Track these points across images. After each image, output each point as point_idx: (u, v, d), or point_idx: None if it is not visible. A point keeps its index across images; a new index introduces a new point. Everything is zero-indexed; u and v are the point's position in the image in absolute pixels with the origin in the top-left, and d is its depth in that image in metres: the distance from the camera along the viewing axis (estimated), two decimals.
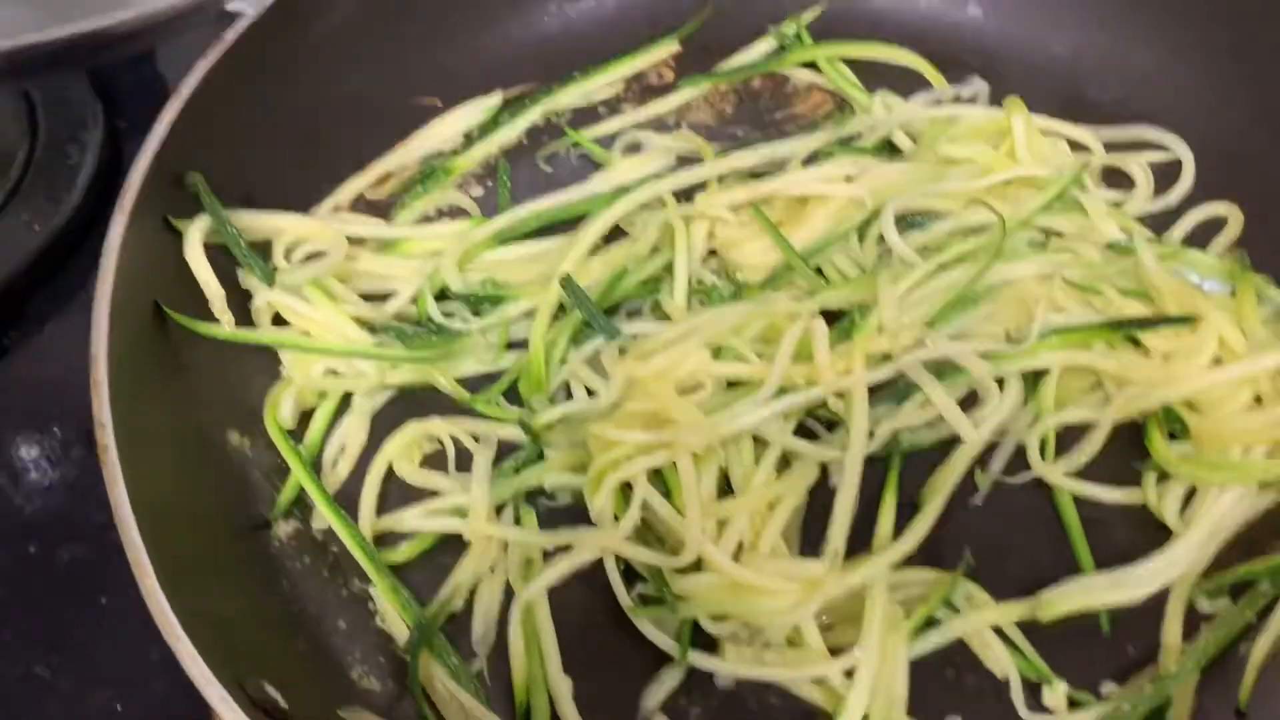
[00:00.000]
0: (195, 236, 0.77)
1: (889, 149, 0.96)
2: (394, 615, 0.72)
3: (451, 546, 0.76)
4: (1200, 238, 0.90)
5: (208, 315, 0.77)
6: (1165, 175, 0.94)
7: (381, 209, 0.93)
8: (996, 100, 1.00)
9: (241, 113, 0.83)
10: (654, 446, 0.74)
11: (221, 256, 0.80)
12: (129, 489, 0.60)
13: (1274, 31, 0.92)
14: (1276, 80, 0.93)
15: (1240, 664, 0.70)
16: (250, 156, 0.84)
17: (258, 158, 0.85)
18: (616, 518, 0.73)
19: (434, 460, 0.80)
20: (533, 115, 0.99)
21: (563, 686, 0.70)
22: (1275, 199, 0.90)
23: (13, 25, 0.94)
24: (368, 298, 0.86)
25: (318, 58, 0.88)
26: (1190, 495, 0.76)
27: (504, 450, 0.80)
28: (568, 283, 0.83)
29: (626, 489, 0.74)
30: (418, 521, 0.75)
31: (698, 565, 0.71)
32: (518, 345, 0.85)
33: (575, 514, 0.76)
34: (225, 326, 0.77)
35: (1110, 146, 0.96)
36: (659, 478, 0.75)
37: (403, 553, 0.75)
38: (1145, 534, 0.76)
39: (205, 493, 0.72)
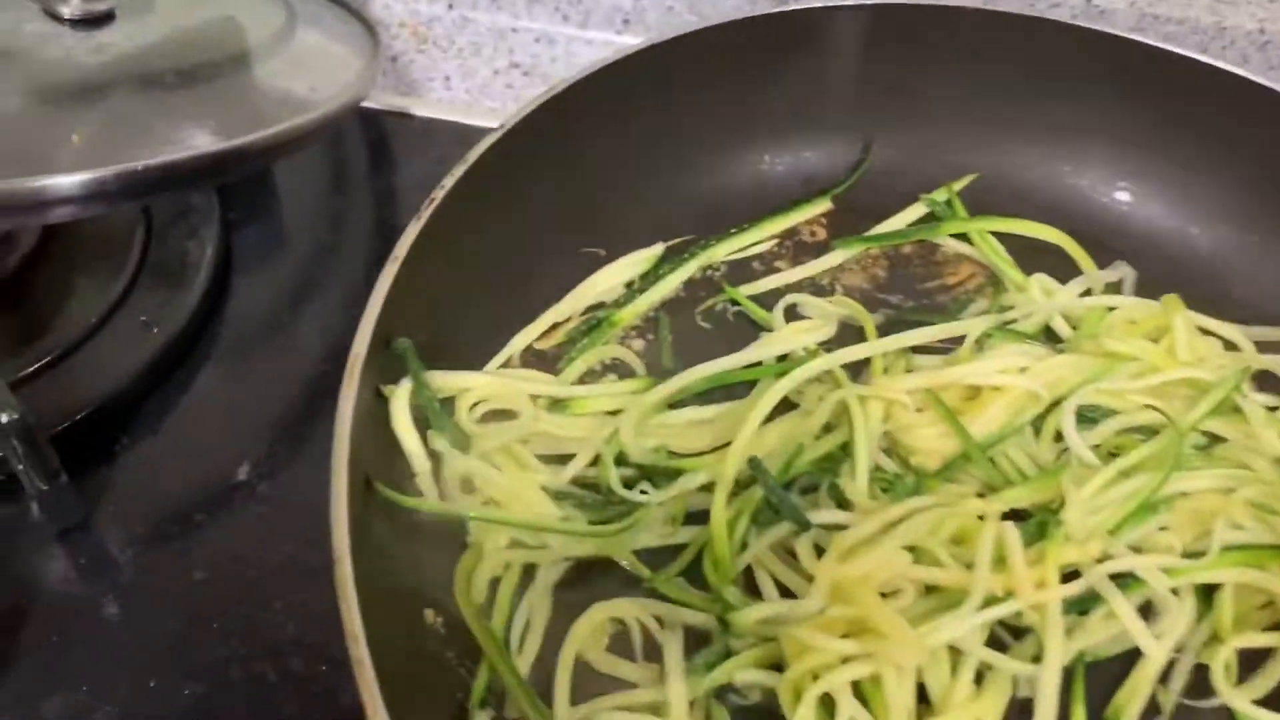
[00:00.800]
0: (402, 403, 0.75)
1: (1048, 335, 0.97)
2: None
3: None
4: None
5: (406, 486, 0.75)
6: None
7: (547, 362, 0.92)
8: (1141, 286, 1.01)
9: (440, 271, 0.81)
10: (857, 657, 0.73)
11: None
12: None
13: None
14: None
15: None
16: (441, 314, 0.82)
17: (446, 315, 0.83)
18: None
19: (616, 643, 0.78)
20: (692, 267, 0.99)
21: None
22: None
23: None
24: (544, 460, 0.84)
25: (508, 210, 0.87)
26: None
27: (685, 636, 0.78)
28: (755, 463, 0.82)
29: (823, 697, 0.73)
30: (614, 716, 0.73)
31: None
32: (693, 520, 0.84)
33: (765, 712, 0.75)
34: (431, 499, 0.75)
35: (1259, 346, 0.97)
36: (856, 689, 0.74)
37: None
38: None
39: (412, 683, 0.69)
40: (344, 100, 1.05)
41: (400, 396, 0.75)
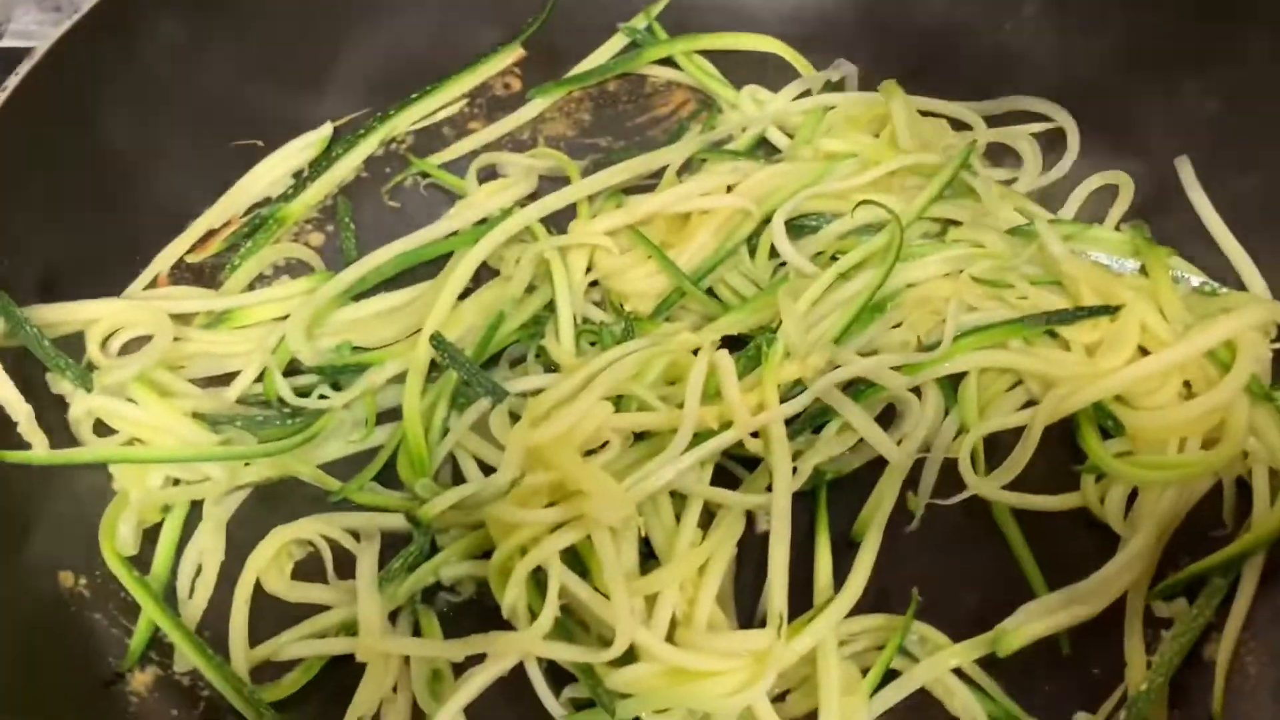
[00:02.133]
0: None
1: (764, 148, 0.89)
2: None
3: (344, 668, 0.65)
4: (1093, 211, 0.86)
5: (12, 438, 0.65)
6: (1046, 147, 0.89)
7: (207, 275, 0.81)
8: (866, 81, 0.94)
9: (29, 179, 0.70)
10: (564, 524, 0.65)
11: (22, 359, 0.67)
12: None
13: None
14: (1151, 32, 0.88)
15: (1208, 670, 0.66)
16: (44, 233, 0.71)
17: (54, 233, 0.72)
18: (531, 611, 0.64)
19: (309, 568, 0.70)
20: (370, 145, 0.89)
21: None
22: (1164, 161, 0.86)
23: None
24: (204, 384, 0.74)
25: (116, 101, 0.76)
26: (1133, 493, 0.72)
27: (389, 544, 0.70)
28: (438, 340, 0.73)
29: (537, 574, 0.65)
30: (300, 647, 0.65)
31: (630, 654, 0.63)
32: (387, 417, 0.75)
33: (482, 607, 0.67)
34: (39, 450, 0.64)
35: (988, 120, 0.91)
36: (572, 556, 0.66)
37: (287, 686, 0.65)
38: (1092, 538, 0.72)
39: (41, 656, 0.60)
40: None
41: None
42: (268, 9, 0.85)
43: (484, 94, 0.94)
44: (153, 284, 0.79)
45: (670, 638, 0.64)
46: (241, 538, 0.70)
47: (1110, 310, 0.73)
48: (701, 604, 0.66)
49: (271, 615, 0.67)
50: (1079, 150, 0.89)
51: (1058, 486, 0.73)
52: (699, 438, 0.69)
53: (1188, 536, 0.71)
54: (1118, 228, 0.84)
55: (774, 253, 0.80)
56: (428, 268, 0.82)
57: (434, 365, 0.75)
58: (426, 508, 0.66)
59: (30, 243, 0.70)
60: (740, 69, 0.95)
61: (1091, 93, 0.90)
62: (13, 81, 0.69)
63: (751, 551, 0.70)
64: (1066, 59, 0.91)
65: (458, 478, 0.73)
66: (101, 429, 0.70)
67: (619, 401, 0.71)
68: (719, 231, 0.81)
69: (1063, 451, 0.75)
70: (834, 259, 0.80)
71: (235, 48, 0.84)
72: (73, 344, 0.71)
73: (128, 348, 0.74)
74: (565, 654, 0.63)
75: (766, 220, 0.81)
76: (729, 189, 0.82)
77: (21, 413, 0.64)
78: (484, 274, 0.81)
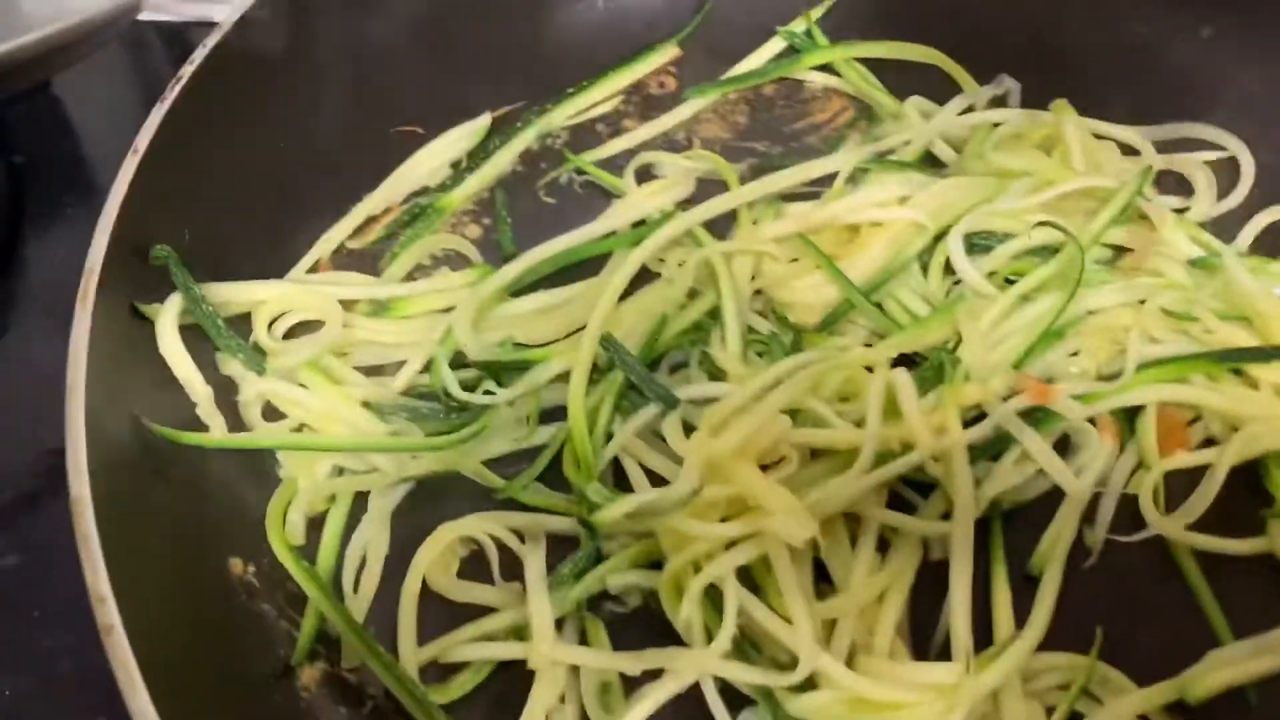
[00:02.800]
0: (169, 324, 0.63)
1: (930, 161, 0.87)
2: None
3: (508, 673, 0.64)
4: (1268, 245, 0.83)
5: (188, 418, 0.64)
6: (1219, 176, 0.87)
7: (367, 261, 0.80)
8: (1029, 99, 0.91)
9: (203, 165, 0.69)
10: (739, 540, 0.63)
11: (194, 340, 0.66)
12: (143, 674, 0.47)
13: None
14: None
15: None
16: (216, 216, 0.70)
17: (224, 216, 0.71)
18: (708, 629, 0.62)
19: (473, 565, 0.68)
20: (526, 138, 0.87)
21: None
22: None
23: None
24: (367, 372, 0.73)
25: (284, 90, 0.75)
26: None
27: (552, 546, 0.68)
28: (609, 342, 0.71)
29: (709, 589, 0.64)
30: (470, 649, 0.63)
31: (809, 680, 0.61)
32: (548, 416, 0.73)
33: (647, 618, 0.65)
34: (216, 433, 0.63)
35: (1159, 147, 0.88)
36: (743, 574, 0.64)
37: (457, 688, 0.63)
38: (1277, 585, 0.69)
39: (213, 645, 0.58)
40: (111, 3, 0.91)
41: (167, 314, 0.63)
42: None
43: (639, 92, 0.92)
44: (314, 268, 0.77)
45: (849, 665, 0.62)
46: (403, 532, 0.68)
47: None
48: (881, 633, 0.64)
49: (433, 614, 0.66)
50: (1253, 184, 0.86)
51: (1241, 529, 0.70)
52: (878, 458, 0.67)
53: None
54: None
55: (949, 272, 0.78)
56: (582, 266, 0.80)
57: (596, 366, 0.73)
58: (601, 513, 0.65)
59: (204, 227, 0.68)
60: (896, 79, 0.93)
61: (1269, 120, 0.87)
62: (188, 69, 0.68)
63: (921, 580, 0.67)
64: (1242, 85, 0.89)
65: (620, 481, 0.71)
66: (268, 414, 0.69)
67: (795, 415, 0.69)
68: (890, 245, 0.79)
69: (1246, 493, 0.72)
70: (1007, 280, 0.78)
71: (400, 32, 0.82)
72: (236, 326, 0.70)
73: (292, 332, 0.72)
74: (746, 675, 0.61)
75: (938, 236, 0.79)
76: (901, 201, 0.80)
77: (201, 394, 0.63)
78: (640, 276, 0.79)
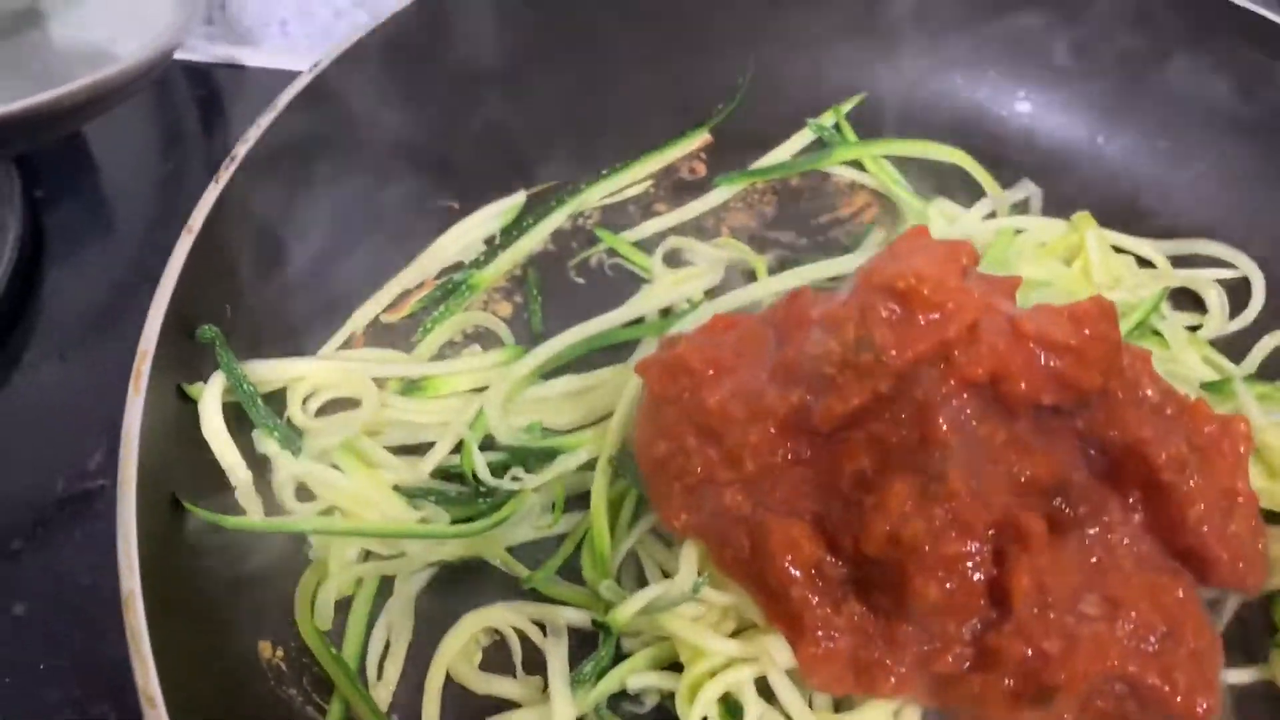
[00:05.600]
0: (213, 404, 0.63)
1: None
2: None
3: None
4: (1272, 367, 0.85)
5: (227, 501, 0.64)
6: (1229, 295, 0.89)
7: (400, 336, 0.81)
8: (1049, 203, 0.94)
9: (249, 242, 0.69)
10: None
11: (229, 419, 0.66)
12: None
13: None
14: None
15: None
16: (257, 292, 0.71)
17: (265, 293, 0.71)
18: None
19: (495, 654, 0.68)
20: (561, 215, 0.88)
21: None
22: None
23: None
24: (396, 451, 0.73)
25: (330, 166, 0.75)
26: None
27: (572, 637, 0.68)
28: (621, 459, 0.72)
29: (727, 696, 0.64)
30: None
31: None
32: (574, 504, 0.74)
33: (663, 716, 0.66)
34: (255, 516, 0.63)
35: (1174, 261, 0.90)
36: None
37: None
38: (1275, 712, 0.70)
39: None
40: (151, 52, 0.92)
41: (211, 395, 0.64)
42: (473, 65, 0.85)
43: (669, 176, 0.94)
44: (348, 344, 0.77)
45: None
46: (426, 617, 0.68)
47: None
48: None
49: (455, 703, 0.66)
50: (1264, 301, 0.88)
51: (1247, 660, 0.72)
52: None
53: None
54: None
55: None
56: (612, 352, 0.81)
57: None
58: (616, 613, 0.65)
59: (246, 305, 0.69)
60: (921, 176, 0.95)
61: (1274, 244, 0.90)
62: (242, 149, 0.69)
63: None
64: (1254, 210, 0.91)
65: (641, 576, 0.72)
66: (299, 494, 0.69)
67: None
68: None
69: (1251, 618, 0.73)
70: None
71: (445, 98, 0.83)
72: (270, 403, 0.70)
73: (324, 409, 0.73)
74: None
75: None
76: None
77: (242, 478, 0.63)
78: None
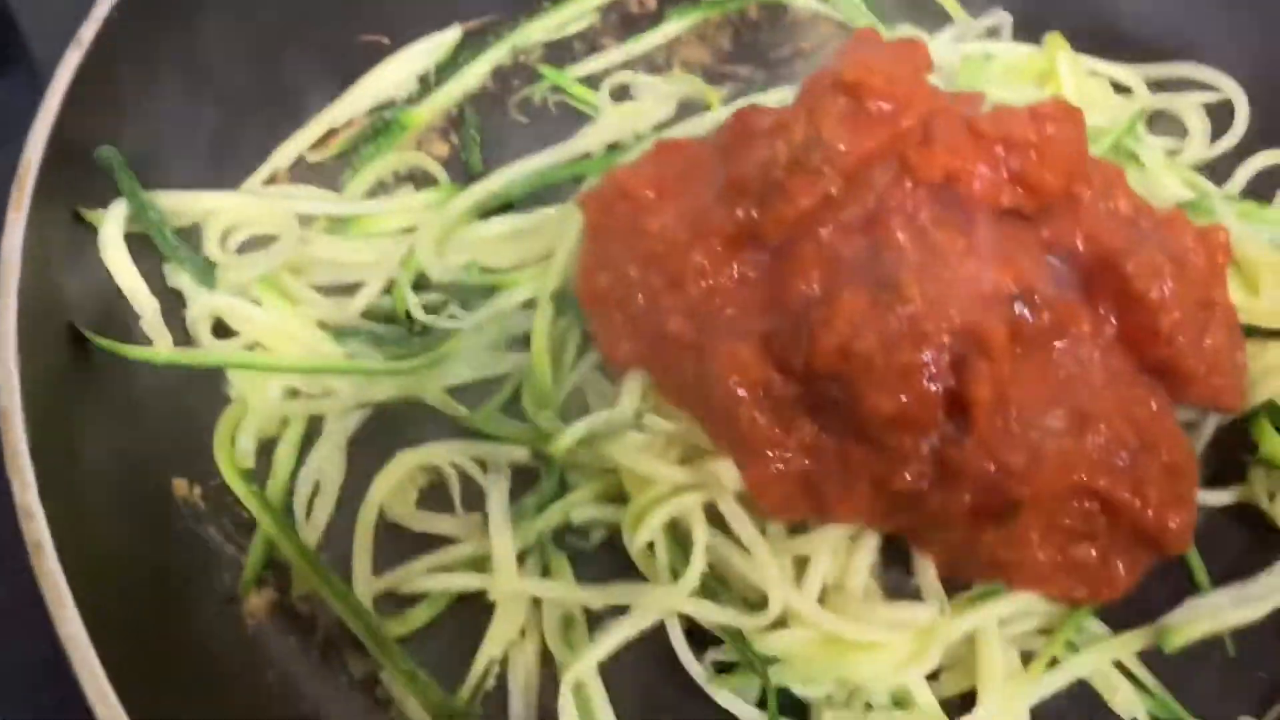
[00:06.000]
0: (113, 231, 0.59)
1: None
2: (411, 703, 0.58)
3: (467, 607, 0.61)
4: (1259, 190, 0.81)
5: (132, 331, 0.60)
6: (1213, 118, 0.84)
7: (327, 176, 0.76)
8: (1020, 33, 0.88)
9: (152, 63, 0.64)
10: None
11: (142, 251, 0.62)
12: (74, 594, 0.44)
13: None
14: None
15: None
16: (165, 120, 0.66)
17: (173, 121, 0.67)
18: (674, 568, 0.60)
19: (434, 495, 0.65)
20: (499, 53, 0.83)
21: None
22: None
23: None
24: (325, 292, 0.69)
25: None
26: None
27: (516, 478, 0.65)
28: (563, 299, 0.68)
29: (677, 528, 0.61)
30: (428, 580, 0.61)
31: (781, 620, 0.59)
32: (518, 345, 0.70)
33: (612, 553, 0.63)
34: (162, 347, 0.59)
35: (1152, 86, 0.85)
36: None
37: (413, 620, 0.61)
38: (1256, 534, 0.67)
39: (153, 568, 0.55)
40: None
41: (111, 221, 0.59)
42: None
43: (617, 10, 0.88)
44: (271, 181, 0.73)
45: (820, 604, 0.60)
46: (360, 460, 0.65)
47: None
48: (855, 572, 0.62)
49: (391, 545, 0.63)
50: (1246, 127, 0.83)
51: (1224, 481, 0.69)
52: None
53: None
54: None
55: None
56: (556, 190, 0.76)
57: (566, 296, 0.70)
58: (556, 443, 0.62)
59: (152, 132, 0.64)
60: (886, 6, 0.89)
61: (1264, 63, 0.84)
62: None
63: None
64: (1239, 29, 0.86)
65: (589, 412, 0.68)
66: (219, 331, 0.65)
67: None
68: None
69: (1230, 439, 0.70)
70: None
71: None
72: (186, 238, 0.66)
73: (245, 248, 0.69)
74: (714, 615, 0.59)
75: None
76: None
77: (148, 307, 0.60)
78: None
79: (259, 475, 0.63)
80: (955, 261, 0.60)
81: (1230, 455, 0.69)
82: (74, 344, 0.56)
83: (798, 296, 0.61)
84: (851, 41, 0.65)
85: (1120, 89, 0.86)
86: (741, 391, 0.60)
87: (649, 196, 0.66)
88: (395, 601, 0.61)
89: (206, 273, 0.63)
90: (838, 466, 0.60)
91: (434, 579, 0.61)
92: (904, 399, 0.57)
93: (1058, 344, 0.63)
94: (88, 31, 0.59)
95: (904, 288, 0.58)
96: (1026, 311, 0.61)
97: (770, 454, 0.60)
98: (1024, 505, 0.58)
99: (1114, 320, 0.65)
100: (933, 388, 0.58)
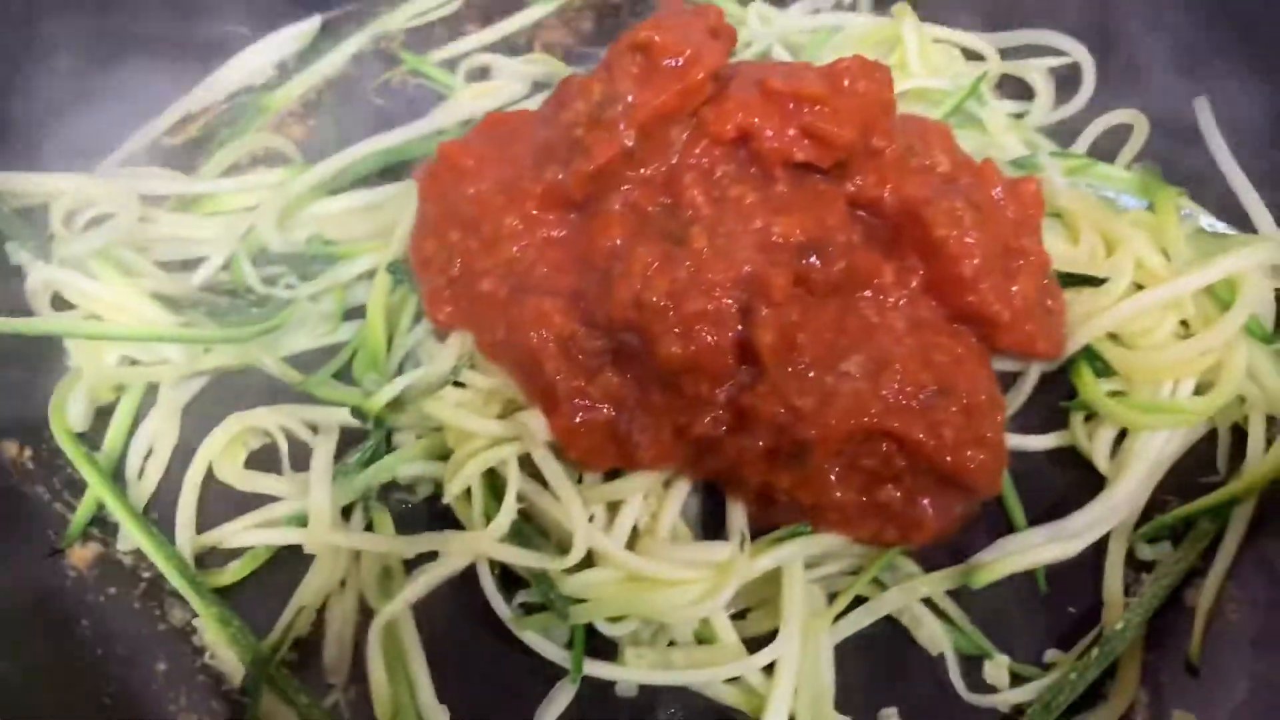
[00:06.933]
0: None
1: None
2: (225, 650, 0.60)
3: (293, 562, 0.63)
4: (1105, 149, 0.83)
5: None
6: (1062, 83, 0.86)
7: (184, 159, 0.79)
8: (878, 4, 0.90)
9: (7, 38, 0.67)
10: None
11: None
12: None
13: None
14: None
15: (1187, 615, 0.64)
16: (17, 99, 0.69)
17: (27, 101, 0.70)
18: (488, 517, 0.62)
19: (264, 458, 0.67)
20: (360, 40, 0.86)
21: (438, 716, 0.59)
22: (1179, 105, 0.82)
23: None
24: (170, 267, 0.72)
25: None
26: (1121, 433, 0.69)
27: (350, 441, 0.67)
28: (395, 268, 0.70)
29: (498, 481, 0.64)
30: (248, 535, 0.63)
31: (588, 560, 0.61)
32: (356, 315, 0.72)
33: (439, 511, 0.65)
34: None
35: (1003, 53, 0.87)
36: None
37: (232, 573, 0.63)
38: (1077, 476, 0.69)
39: None
40: None
41: None
42: None
43: None
44: (129, 164, 0.76)
45: (631, 548, 0.62)
46: (197, 426, 0.67)
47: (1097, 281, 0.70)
48: (665, 516, 0.64)
49: (222, 504, 0.65)
50: (1093, 90, 0.85)
51: (1045, 427, 0.71)
52: None
53: (1177, 479, 0.68)
54: (1129, 167, 0.81)
55: None
56: (407, 167, 0.79)
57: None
58: (372, 400, 0.64)
59: (7, 114, 0.67)
60: None
61: (1110, 30, 0.86)
62: None
63: None
64: None
65: None
66: (60, 305, 0.68)
67: None
68: None
69: (1052, 385, 0.72)
70: None
71: None
72: (35, 216, 0.69)
73: (90, 225, 0.71)
74: (518, 558, 0.61)
75: None
76: None
77: None
78: None
79: (94, 440, 0.65)
80: (746, 214, 0.63)
81: (1053, 403, 0.71)
82: None
83: (602, 253, 0.63)
84: (658, 11, 0.67)
85: (973, 57, 0.88)
86: (547, 344, 0.62)
87: (469, 164, 0.68)
88: (219, 557, 0.64)
89: (43, 247, 0.66)
90: (642, 415, 0.62)
91: (253, 534, 0.63)
92: (694, 346, 0.59)
93: (864, 294, 0.65)
94: None
95: (692, 240, 0.61)
96: (818, 261, 0.63)
97: (574, 403, 0.62)
98: (813, 446, 0.60)
99: (921, 270, 0.67)
100: (723, 334, 0.60)
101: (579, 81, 0.66)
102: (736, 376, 0.61)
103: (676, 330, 0.60)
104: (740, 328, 0.60)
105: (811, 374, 0.61)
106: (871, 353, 0.63)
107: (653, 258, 0.61)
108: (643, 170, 0.64)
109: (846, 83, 0.65)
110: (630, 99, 0.62)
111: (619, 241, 0.63)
